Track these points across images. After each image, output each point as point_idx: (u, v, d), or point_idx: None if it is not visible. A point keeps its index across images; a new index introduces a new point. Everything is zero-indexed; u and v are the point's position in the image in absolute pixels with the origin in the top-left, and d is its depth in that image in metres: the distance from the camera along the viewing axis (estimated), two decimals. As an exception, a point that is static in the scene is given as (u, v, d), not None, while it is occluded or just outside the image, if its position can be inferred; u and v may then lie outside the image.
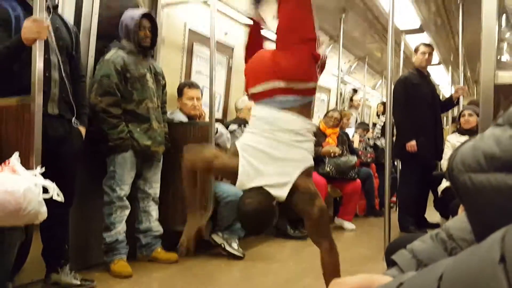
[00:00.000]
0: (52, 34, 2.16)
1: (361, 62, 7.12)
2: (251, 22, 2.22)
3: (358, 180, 4.46)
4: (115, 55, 2.73)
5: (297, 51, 1.78)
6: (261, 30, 2.15)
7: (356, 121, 6.65)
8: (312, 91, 1.86)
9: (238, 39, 4.01)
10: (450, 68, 7.39)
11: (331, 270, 1.74)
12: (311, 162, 1.81)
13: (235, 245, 3.10)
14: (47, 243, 2.28)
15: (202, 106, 3.35)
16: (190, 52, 3.67)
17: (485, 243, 0.41)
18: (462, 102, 4.39)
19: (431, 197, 4.38)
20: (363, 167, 5.14)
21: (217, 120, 3.36)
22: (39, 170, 1.76)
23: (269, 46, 2.08)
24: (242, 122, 3.69)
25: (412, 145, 3.85)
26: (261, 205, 1.69)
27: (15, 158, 1.73)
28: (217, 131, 3.20)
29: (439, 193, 3.93)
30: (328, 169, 4.17)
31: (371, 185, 5.20)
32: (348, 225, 4.40)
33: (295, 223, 3.90)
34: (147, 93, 2.81)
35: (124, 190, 2.72)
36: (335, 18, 5.00)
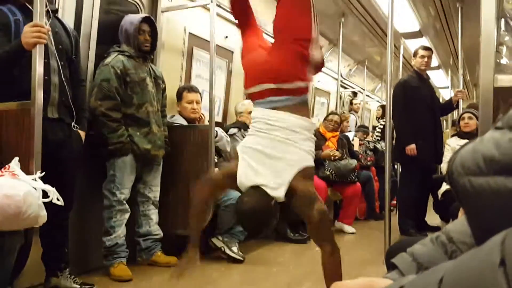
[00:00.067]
0: (52, 38, 2.16)
1: (360, 66, 7.13)
2: None
3: (358, 184, 4.46)
4: (115, 59, 2.73)
5: (286, 50, 1.79)
6: None
7: (356, 124, 6.66)
8: (303, 90, 1.82)
9: (238, 43, 4.01)
10: (449, 71, 7.40)
11: (332, 273, 1.73)
12: (308, 163, 1.77)
13: (235, 248, 3.09)
14: (46, 247, 2.27)
15: (201, 109, 3.36)
16: (190, 56, 3.68)
17: (485, 247, 0.41)
18: (461, 105, 4.40)
19: (431, 200, 4.38)
20: (363, 170, 5.14)
21: (217, 124, 3.36)
22: (39, 174, 1.76)
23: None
24: (242, 126, 3.69)
25: (411, 148, 3.85)
26: (259, 204, 1.69)
27: (15, 163, 1.73)
28: (216, 135, 3.21)
29: (439, 196, 3.93)
30: (328, 173, 4.17)
31: (371, 188, 5.20)
32: (348, 228, 4.40)
33: (295, 226, 3.89)
34: (147, 97, 2.81)
35: (124, 193, 2.72)
36: (334, 22, 5.02)
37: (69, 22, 2.54)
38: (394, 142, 4.05)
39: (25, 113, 1.93)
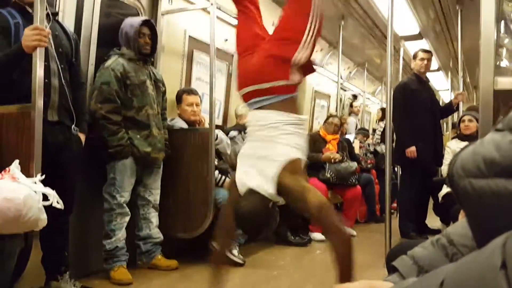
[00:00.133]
0: (52, 41, 2.16)
1: (360, 69, 7.14)
2: None
3: (359, 186, 4.45)
4: (115, 62, 2.74)
5: (269, 49, 1.81)
6: None
7: (356, 127, 6.66)
8: (288, 89, 1.82)
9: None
10: (449, 74, 7.41)
11: (341, 263, 1.64)
12: (293, 156, 1.75)
13: (235, 251, 3.08)
14: (47, 251, 2.27)
15: (202, 112, 3.36)
16: (190, 59, 3.68)
17: (486, 249, 0.41)
18: (461, 108, 4.40)
19: (431, 202, 4.37)
20: (364, 173, 5.14)
21: (217, 127, 3.37)
22: (39, 177, 1.75)
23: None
24: (242, 129, 3.69)
25: (411, 151, 3.85)
26: (256, 207, 1.70)
27: (15, 166, 1.73)
28: (217, 137, 3.21)
29: (440, 198, 3.92)
30: (328, 175, 4.16)
31: (371, 191, 5.19)
32: (348, 231, 4.38)
33: (295, 229, 3.88)
34: (147, 100, 2.81)
35: (124, 197, 2.72)
36: (334, 25, 5.02)
37: (70, 25, 2.55)
38: (394, 144, 4.05)
39: (26, 116, 1.93)
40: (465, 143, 3.53)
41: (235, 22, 4.00)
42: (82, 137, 2.40)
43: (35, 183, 1.71)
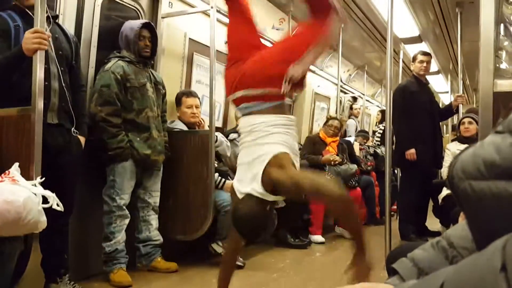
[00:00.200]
0: (52, 44, 2.17)
1: (360, 71, 7.15)
2: None
3: (359, 189, 4.45)
4: (115, 65, 2.74)
5: (270, 64, 1.82)
6: None
7: (356, 129, 6.66)
8: (274, 97, 1.83)
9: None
10: (449, 76, 7.41)
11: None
12: (276, 151, 1.75)
13: (235, 254, 3.08)
14: (46, 253, 2.27)
15: (201, 115, 3.37)
16: (190, 62, 3.69)
17: (486, 252, 0.41)
18: (461, 110, 4.40)
19: (431, 205, 4.37)
20: (364, 175, 5.14)
21: (217, 129, 3.37)
22: (39, 180, 1.75)
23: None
24: (242, 131, 3.69)
25: (411, 153, 3.85)
26: (253, 210, 1.72)
27: (15, 168, 1.73)
28: (216, 140, 3.21)
29: (440, 201, 3.92)
30: (328, 177, 4.16)
31: (371, 193, 5.19)
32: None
33: (295, 231, 3.88)
34: (147, 103, 2.82)
35: (123, 199, 2.72)
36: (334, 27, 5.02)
37: (70, 28, 2.56)
38: (394, 147, 4.05)
39: (26, 119, 1.93)
40: (465, 145, 3.53)
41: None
42: (82, 139, 2.40)
43: (35, 185, 1.72)
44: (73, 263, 2.50)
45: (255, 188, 1.72)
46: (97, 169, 2.75)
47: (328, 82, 6.38)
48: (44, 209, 1.68)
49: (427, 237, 3.78)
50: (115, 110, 2.69)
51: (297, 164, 1.82)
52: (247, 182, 1.77)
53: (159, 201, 2.97)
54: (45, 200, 1.70)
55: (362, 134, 5.95)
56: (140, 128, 2.78)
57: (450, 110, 4.45)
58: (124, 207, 2.72)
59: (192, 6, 3.48)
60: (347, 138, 5.51)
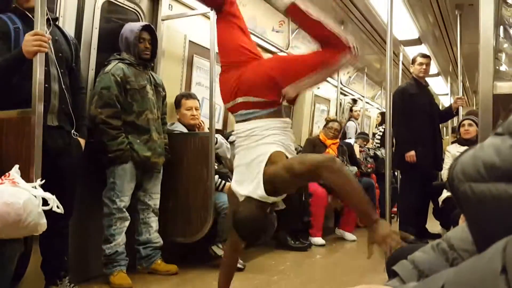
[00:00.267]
0: (52, 46, 2.17)
1: (360, 73, 7.15)
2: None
3: (359, 191, 4.44)
4: (115, 67, 2.74)
5: (270, 78, 1.85)
6: None
7: (356, 131, 6.66)
8: (270, 104, 1.87)
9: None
10: (449, 78, 7.42)
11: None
12: (272, 150, 1.78)
13: (235, 256, 3.07)
14: (46, 255, 2.26)
15: (201, 117, 3.37)
16: (190, 64, 3.69)
17: (487, 254, 0.41)
18: (461, 112, 4.40)
19: (431, 207, 4.36)
20: (364, 177, 5.13)
21: (217, 131, 3.37)
22: (39, 182, 1.75)
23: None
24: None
25: (411, 155, 3.84)
26: (253, 212, 1.73)
27: (15, 170, 1.73)
28: (216, 142, 3.21)
29: (440, 203, 3.92)
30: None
31: (372, 195, 5.17)
32: (349, 236, 4.38)
33: (295, 234, 3.88)
34: (147, 105, 2.82)
35: (124, 201, 2.71)
36: (334, 29, 5.03)
37: (70, 31, 2.56)
38: (394, 149, 4.05)
39: (26, 121, 1.93)
40: (465, 147, 3.53)
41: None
42: (82, 141, 2.40)
43: (35, 187, 1.72)
44: (73, 265, 2.50)
45: (258, 192, 1.74)
46: (97, 171, 2.75)
47: (328, 84, 6.37)
48: (44, 211, 1.68)
49: (428, 239, 3.77)
50: (115, 112, 2.70)
51: None
52: (245, 183, 1.79)
53: (159, 203, 2.96)
54: (45, 202, 1.70)
55: (362, 136, 5.95)
56: (140, 130, 2.78)
57: (450, 112, 4.45)
58: (124, 209, 2.72)
59: (192, 9, 3.48)
60: (347, 140, 5.51)
